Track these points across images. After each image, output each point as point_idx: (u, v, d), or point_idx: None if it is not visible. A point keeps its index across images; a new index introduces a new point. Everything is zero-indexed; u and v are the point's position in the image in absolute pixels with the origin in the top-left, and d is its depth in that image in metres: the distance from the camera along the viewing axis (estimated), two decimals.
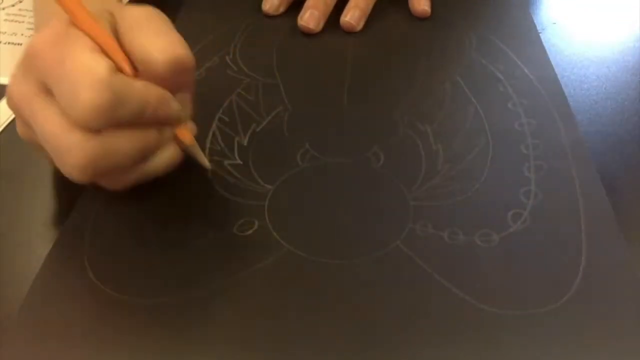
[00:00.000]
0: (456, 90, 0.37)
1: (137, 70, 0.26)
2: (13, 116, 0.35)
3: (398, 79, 0.38)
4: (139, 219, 0.29)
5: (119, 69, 0.25)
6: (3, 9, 0.45)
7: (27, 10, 0.46)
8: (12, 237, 0.29)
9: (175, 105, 0.27)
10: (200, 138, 0.32)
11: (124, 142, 0.25)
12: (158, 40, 0.25)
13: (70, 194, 0.30)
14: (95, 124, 0.23)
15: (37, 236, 0.29)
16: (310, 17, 0.41)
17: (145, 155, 0.26)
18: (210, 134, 0.33)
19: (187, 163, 0.30)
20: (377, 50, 0.41)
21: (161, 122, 0.26)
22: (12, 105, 0.26)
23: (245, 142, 0.33)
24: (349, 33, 0.42)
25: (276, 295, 0.25)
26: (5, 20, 0.44)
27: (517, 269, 0.26)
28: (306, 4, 0.42)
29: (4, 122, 0.35)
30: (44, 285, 0.26)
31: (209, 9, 0.45)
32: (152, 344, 0.24)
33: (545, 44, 0.41)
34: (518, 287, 0.25)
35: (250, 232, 0.28)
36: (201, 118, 0.34)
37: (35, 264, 0.27)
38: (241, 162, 0.32)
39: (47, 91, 0.24)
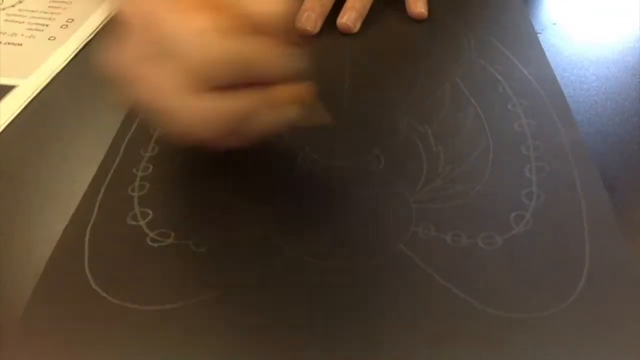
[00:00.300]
0: (455, 91, 0.36)
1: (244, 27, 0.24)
2: (13, 116, 0.35)
3: (397, 81, 0.38)
4: (139, 226, 0.28)
5: (227, 27, 0.24)
6: (3, 9, 0.45)
7: (27, 10, 0.46)
8: (12, 237, 0.29)
9: (286, 61, 0.26)
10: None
11: (233, 103, 0.24)
12: None
13: (70, 193, 0.30)
14: (208, 82, 0.24)
15: (37, 236, 0.29)
16: (307, 20, 0.41)
17: (257, 114, 0.26)
18: None
19: (188, 171, 0.30)
20: (375, 52, 0.40)
21: (273, 78, 0.26)
22: (120, 73, 0.25)
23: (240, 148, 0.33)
24: (346, 35, 0.42)
25: (279, 300, 0.25)
26: (6, 20, 0.44)
27: (521, 272, 0.26)
28: (303, 7, 0.42)
29: (4, 123, 0.35)
30: (45, 293, 0.26)
31: None
32: (154, 351, 0.24)
33: (545, 45, 0.40)
34: (522, 289, 0.25)
35: (252, 236, 0.28)
36: None
37: (35, 264, 0.27)
38: (241, 165, 0.31)
39: (154, 56, 0.24)
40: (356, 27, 0.42)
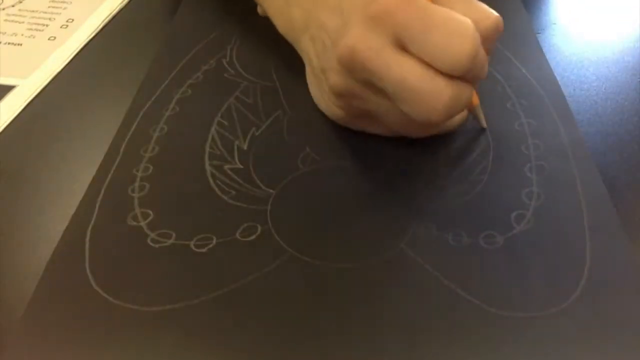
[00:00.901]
0: None
1: None
2: (13, 116, 0.35)
3: None
4: (140, 226, 0.28)
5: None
6: (3, 9, 0.45)
7: (27, 10, 0.45)
8: (12, 237, 0.29)
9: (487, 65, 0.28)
10: (199, 142, 0.32)
11: (466, 91, 0.26)
12: (479, 5, 0.28)
13: (70, 193, 0.30)
14: (465, 71, 0.25)
15: (37, 236, 0.28)
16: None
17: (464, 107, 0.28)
18: (210, 137, 0.33)
19: (188, 168, 0.30)
20: None
21: (475, 79, 0.28)
22: (352, 58, 0.27)
23: (245, 146, 0.32)
24: None
25: (281, 301, 0.25)
26: (6, 20, 0.44)
27: (522, 271, 0.26)
28: None
29: (4, 122, 0.35)
30: (45, 294, 0.25)
31: (204, 11, 0.45)
32: (157, 352, 0.23)
33: (545, 45, 0.40)
34: (524, 288, 0.25)
35: (253, 237, 0.27)
36: (200, 122, 0.34)
37: (35, 264, 0.27)
38: (242, 167, 0.31)
39: (400, 44, 0.26)
40: None
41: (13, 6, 0.46)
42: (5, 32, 0.43)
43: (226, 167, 0.31)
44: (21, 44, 0.41)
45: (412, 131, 0.31)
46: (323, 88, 0.32)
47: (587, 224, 0.28)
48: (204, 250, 0.27)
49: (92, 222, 0.28)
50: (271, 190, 0.30)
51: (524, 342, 0.23)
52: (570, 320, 0.24)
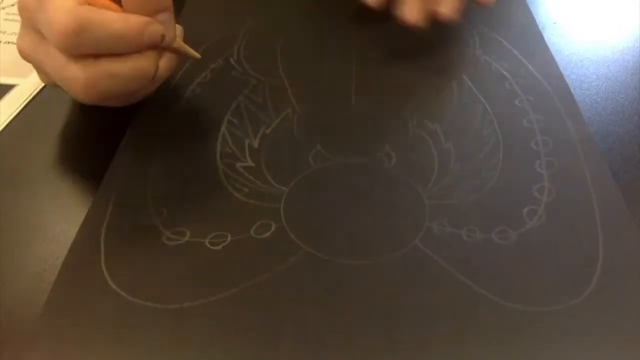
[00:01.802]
0: (463, 88, 0.36)
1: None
2: (13, 116, 0.35)
3: (404, 78, 0.37)
4: (154, 224, 0.28)
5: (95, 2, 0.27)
6: (3, 8, 0.45)
7: None
8: (12, 237, 0.28)
9: (158, 28, 0.29)
10: (210, 140, 0.32)
11: (119, 67, 0.27)
12: None
13: (70, 193, 0.30)
14: (68, 48, 0.26)
15: (37, 236, 0.28)
16: (411, 10, 0.37)
17: (144, 77, 0.29)
18: (220, 136, 0.33)
19: (200, 167, 0.30)
20: (381, 51, 0.40)
21: (151, 46, 0.29)
22: (24, 57, 0.30)
23: (256, 144, 0.32)
24: (353, 33, 0.41)
25: (298, 298, 0.25)
26: (5, 20, 0.44)
27: (536, 266, 0.26)
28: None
29: (4, 122, 0.35)
30: (62, 293, 0.25)
31: (210, 10, 0.44)
32: (175, 350, 0.23)
33: None
34: (538, 283, 0.25)
35: (267, 234, 0.27)
36: (210, 120, 0.34)
37: (35, 264, 0.27)
38: (253, 165, 0.31)
39: (40, 39, 0.28)
40: (455, 16, 0.37)
41: (13, 5, 0.46)
42: (5, 32, 0.42)
43: (238, 165, 0.31)
44: None
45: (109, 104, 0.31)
46: None
47: (598, 219, 0.28)
48: (219, 247, 0.27)
49: (106, 220, 0.28)
50: (284, 188, 0.30)
51: (539, 336, 0.23)
52: (584, 314, 0.24)
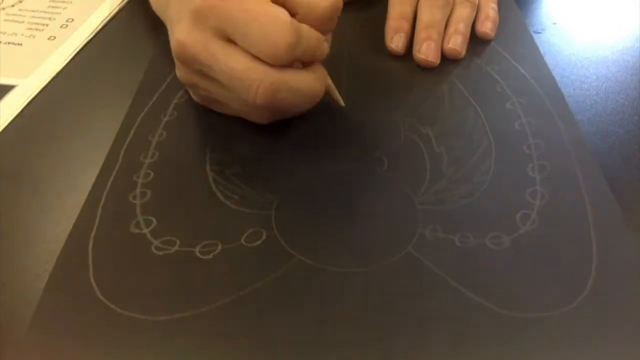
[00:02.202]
0: (454, 91, 0.36)
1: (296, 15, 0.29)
2: (13, 116, 0.35)
3: (395, 83, 0.37)
4: (143, 233, 0.28)
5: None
6: (3, 9, 0.45)
7: (27, 10, 0.45)
8: (12, 237, 0.28)
9: (326, 46, 0.31)
10: (199, 147, 0.32)
11: (298, 81, 0.29)
12: None
13: (70, 193, 0.30)
14: (284, 61, 0.28)
15: (37, 236, 0.28)
16: (398, 40, 0.39)
17: (313, 97, 0.31)
18: (209, 143, 0.33)
19: (190, 174, 0.30)
20: (372, 53, 0.40)
21: (312, 61, 0.30)
22: (184, 51, 0.29)
23: (245, 151, 0.32)
24: (344, 37, 0.41)
25: (290, 307, 0.25)
26: (5, 20, 0.44)
27: (531, 271, 0.26)
28: (390, 25, 0.40)
29: (4, 122, 0.35)
30: (50, 305, 0.25)
31: None
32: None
33: (545, 44, 0.40)
34: (532, 289, 0.25)
35: (258, 242, 0.27)
36: (199, 126, 0.34)
37: (35, 265, 0.27)
38: (243, 171, 0.31)
39: (224, 37, 0.28)
40: (463, 52, 0.39)
41: (13, 6, 0.46)
42: (5, 32, 0.42)
43: (228, 172, 0.31)
44: (21, 44, 0.41)
45: (258, 117, 0.32)
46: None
47: (591, 222, 0.28)
48: (209, 256, 0.27)
49: (94, 230, 0.28)
50: (274, 195, 0.29)
51: (533, 342, 0.23)
52: (580, 319, 0.24)
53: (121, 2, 0.46)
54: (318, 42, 0.29)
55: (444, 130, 0.33)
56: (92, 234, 0.28)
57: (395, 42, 0.39)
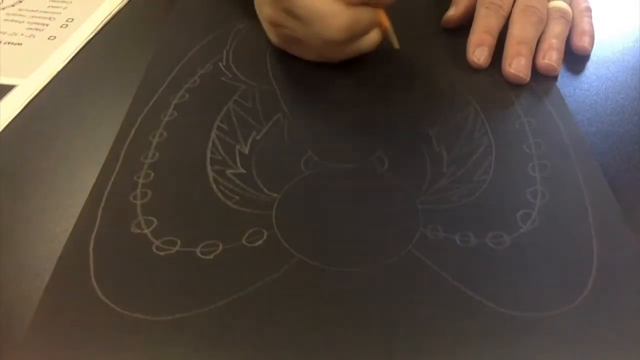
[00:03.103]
0: (453, 91, 0.36)
1: None
2: (13, 116, 0.35)
3: (394, 82, 0.37)
4: (144, 233, 0.28)
5: None
6: (3, 9, 0.45)
7: (27, 10, 0.45)
8: (12, 237, 0.28)
9: None
10: (199, 147, 0.32)
11: (365, 14, 0.34)
12: None
13: (70, 193, 0.30)
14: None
15: (37, 236, 0.28)
16: (481, 54, 0.38)
17: (371, 29, 0.35)
18: (210, 142, 0.32)
19: (190, 174, 0.30)
20: (372, 53, 0.39)
21: (377, 5, 0.35)
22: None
23: (246, 151, 0.32)
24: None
25: (291, 307, 0.25)
26: (5, 20, 0.44)
27: (531, 270, 0.26)
28: (473, 39, 0.39)
29: (4, 122, 0.35)
30: (51, 305, 0.25)
31: (199, 14, 0.44)
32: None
33: None
34: (533, 288, 0.25)
35: (259, 242, 0.27)
36: (199, 127, 0.33)
37: (35, 264, 0.27)
38: (244, 171, 0.31)
39: None
40: (559, 68, 0.38)
41: (13, 6, 0.46)
42: (5, 32, 0.42)
43: (228, 172, 0.31)
44: (21, 44, 0.41)
45: (331, 53, 0.36)
46: (262, 17, 0.38)
47: (592, 222, 0.28)
48: (210, 257, 0.27)
49: (95, 230, 0.28)
50: (275, 195, 0.29)
51: (535, 341, 0.23)
52: (581, 319, 0.24)
53: (121, 2, 0.46)
54: None
55: (444, 129, 0.33)
56: (93, 234, 0.28)
57: (478, 55, 0.38)
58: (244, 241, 0.27)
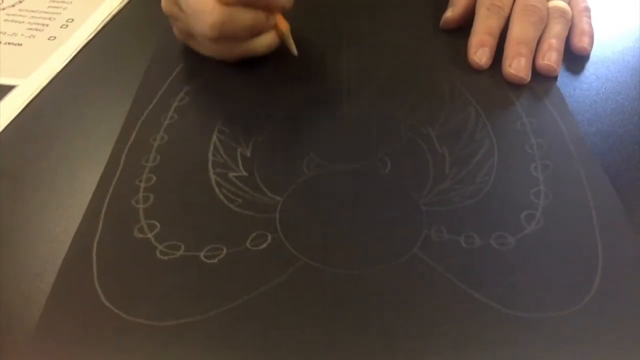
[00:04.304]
0: (454, 92, 0.36)
1: None
2: (13, 116, 0.35)
3: (395, 84, 0.37)
4: (147, 238, 0.27)
5: None
6: (3, 9, 0.45)
7: (27, 10, 0.45)
8: (12, 237, 0.28)
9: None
10: (201, 150, 0.32)
11: (244, 15, 0.33)
12: None
13: (70, 193, 0.30)
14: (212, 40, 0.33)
15: (37, 236, 0.28)
16: (482, 55, 0.38)
17: (255, 31, 0.35)
18: (212, 145, 0.32)
19: (193, 178, 0.30)
20: (372, 54, 0.39)
21: (269, 8, 0.35)
22: (165, 12, 0.36)
23: (248, 153, 0.32)
24: (343, 38, 0.40)
25: (297, 310, 0.24)
26: (5, 20, 0.44)
27: (536, 271, 0.26)
28: (474, 40, 0.38)
29: (4, 123, 0.35)
30: (55, 311, 0.25)
31: None
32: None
33: None
34: (538, 289, 0.25)
35: (264, 246, 0.27)
36: (200, 130, 0.33)
37: (35, 264, 0.27)
38: (247, 174, 0.30)
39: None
40: (559, 68, 0.37)
41: (13, 6, 0.46)
42: (5, 32, 0.42)
43: (231, 175, 0.30)
44: (21, 44, 0.41)
45: (221, 50, 0.36)
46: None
47: (596, 223, 0.28)
48: (214, 261, 0.26)
49: (98, 235, 0.28)
50: (278, 197, 0.29)
51: (541, 342, 0.23)
52: (586, 319, 0.24)
53: (121, 2, 0.46)
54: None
55: (445, 130, 0.33)
56: (96, 240, 0.27)
57: (479, 56, 0.38)
58: (248, 245, 0.27)
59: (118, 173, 0.31)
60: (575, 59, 0.39)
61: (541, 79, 0.37)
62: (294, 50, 0.37)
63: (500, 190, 0.29)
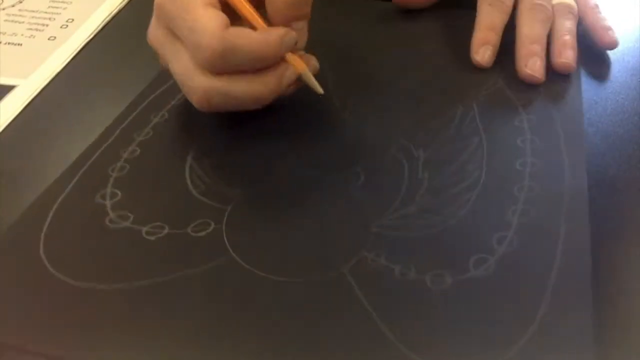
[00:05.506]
0: (466, 118, 0.33)
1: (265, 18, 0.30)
2: (13, 116, 0.35)
3: (399, 96, 0.35)
4: (103, 204, 0.29)
5: (246, 20, 0.30)
6: (3, 9, 0.45)
7: (27, 10, 0.45)
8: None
9: (293, 36, 0.30)
10: (182, 137, 0.33)
11: (240, 86, 0.29)
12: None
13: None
14: (216, 68, 0.28)
15: None
16: (485, 53, 0.37)
17: (256, 101, 0.30)
18: (201, 130, 0.33)
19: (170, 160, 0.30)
20: (378, 63, 0.38)
21: (270, 63, 0.30)
22: (150, 44, 0.32)
23: (229, 143, 0.32)
24: (328, 46, 0.38)
25: (206, 300, 0.24)
26: (6, 20, 0.44)
27: (460, 320, 0.23)
28: (477, 37, 0.38)
29: (4, 123, 0.35)
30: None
31: None
32: (105, 330, 0.24)
33: None
34: (456, 340, 0.23)
35: (203, 233, 0.27)
36: (196, 115, 0.33)
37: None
38: (220, 163, 0.31)
39: (175, 35, 0.29)
40: (575, 65, 0.36)
41: (13, 6, 0.46)
42: (5, 32, 0.42)
43: (206, 161, 0.31)
44: (21, 44, 0.41)
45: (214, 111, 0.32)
46: None
47: (551, 286, 0.25)
48: (152, 238, 0.27)
49: (64, 194, 0.29)
50: (239, 191, 0.29)
51: None
52: None
53: (121, 2, 0.46)
54: (278, 44, 0.29)
55: (436, 155, 0.31)
56: (61, 198, 0.29)
57: (482, 54, 0.37)
58: (189, 229, 0.27)
59: (109, 142, 0.32)
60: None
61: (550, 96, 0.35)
62: (319, 89, 0.32)
63: (464, 227, 0.27)
